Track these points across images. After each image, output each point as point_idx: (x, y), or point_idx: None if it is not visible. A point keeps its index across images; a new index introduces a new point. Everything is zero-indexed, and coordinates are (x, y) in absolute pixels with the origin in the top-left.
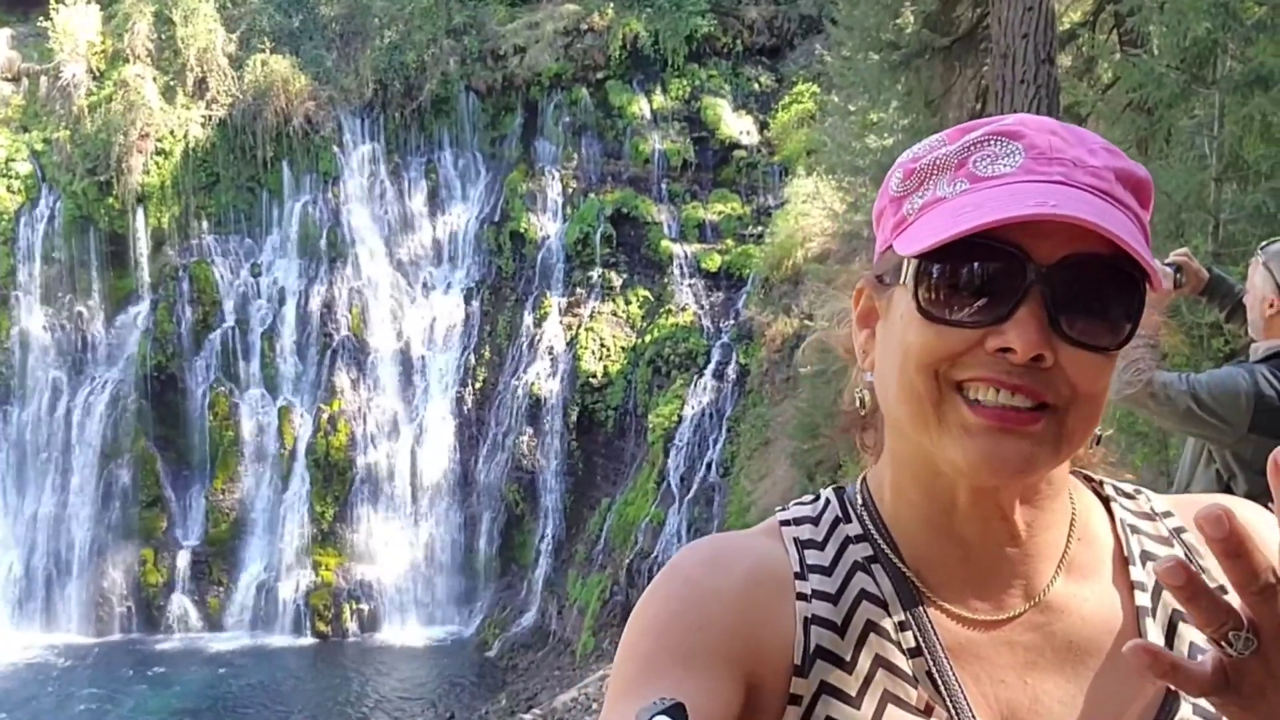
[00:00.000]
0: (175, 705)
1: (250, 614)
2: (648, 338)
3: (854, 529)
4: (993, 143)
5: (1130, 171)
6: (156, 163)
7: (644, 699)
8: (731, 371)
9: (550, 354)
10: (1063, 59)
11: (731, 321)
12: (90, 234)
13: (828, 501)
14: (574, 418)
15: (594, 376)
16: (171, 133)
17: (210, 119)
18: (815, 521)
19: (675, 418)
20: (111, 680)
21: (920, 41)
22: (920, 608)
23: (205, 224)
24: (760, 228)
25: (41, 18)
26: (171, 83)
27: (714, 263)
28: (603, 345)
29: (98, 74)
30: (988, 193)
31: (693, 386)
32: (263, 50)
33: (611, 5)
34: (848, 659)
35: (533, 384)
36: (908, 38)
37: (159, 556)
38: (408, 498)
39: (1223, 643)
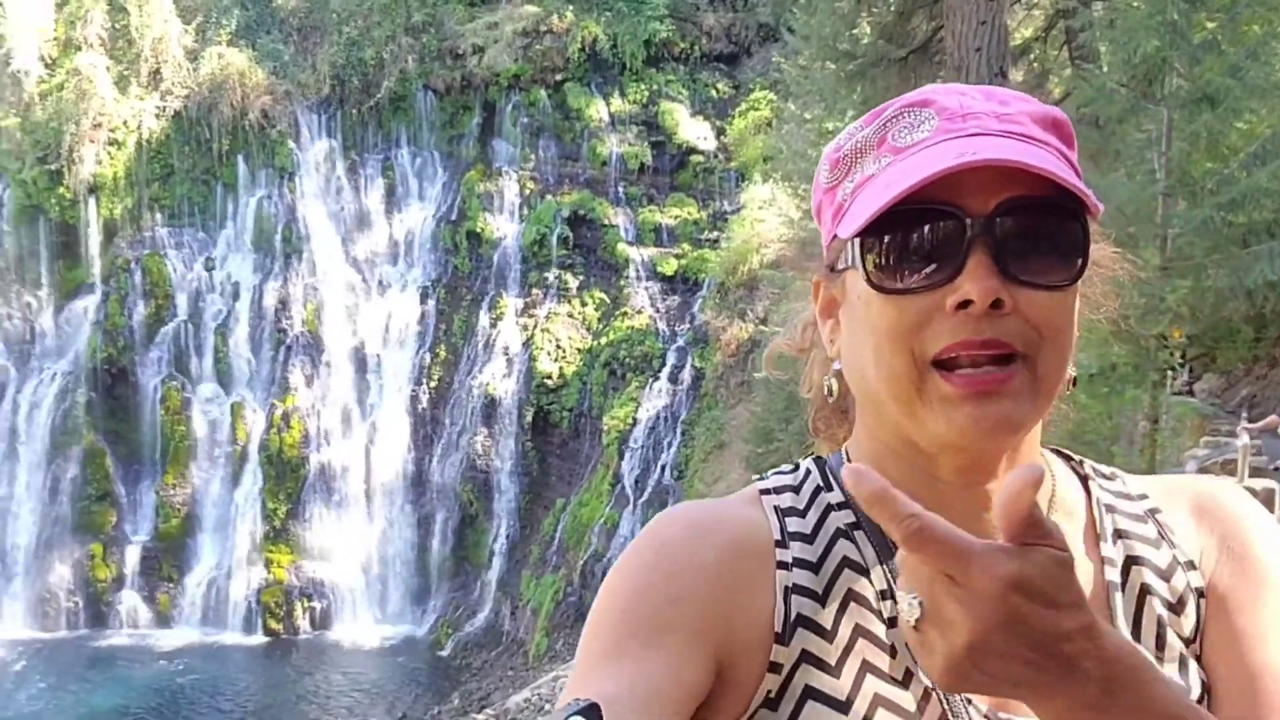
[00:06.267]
0: (123, 703)
1: (201, 611)
2: (603, 340)
3: (835, 497)
4: (906, 114)
5: (1044, 113)
6: (109, 153)
7: (604, 679)
8: (687, 375)
9: (506, 354)
10: (1015, 73)
11: (687, 325)
12: (40, 223)
13: (808, 470)
14: (529, 418)
15: (549, 377)
16: (125, 123)
17: (165, 110)
18: (796, 490)
19: (630, 420)
20: (58, 677)
21: (876, 52)
22: None
23: (158, 216)
24: (716, 233)
25: None
26: (125, 72)
27: (670, 266)
28: (558, 346)
29: (49, 61)
30: (911, 160)
31: (648, 389)
32: (219, 42)
33: (571, 8)
34: (828, 628)
35: (488, 384)
36: (864, 48)
37: (108, 552)
38: (361, 496)
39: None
